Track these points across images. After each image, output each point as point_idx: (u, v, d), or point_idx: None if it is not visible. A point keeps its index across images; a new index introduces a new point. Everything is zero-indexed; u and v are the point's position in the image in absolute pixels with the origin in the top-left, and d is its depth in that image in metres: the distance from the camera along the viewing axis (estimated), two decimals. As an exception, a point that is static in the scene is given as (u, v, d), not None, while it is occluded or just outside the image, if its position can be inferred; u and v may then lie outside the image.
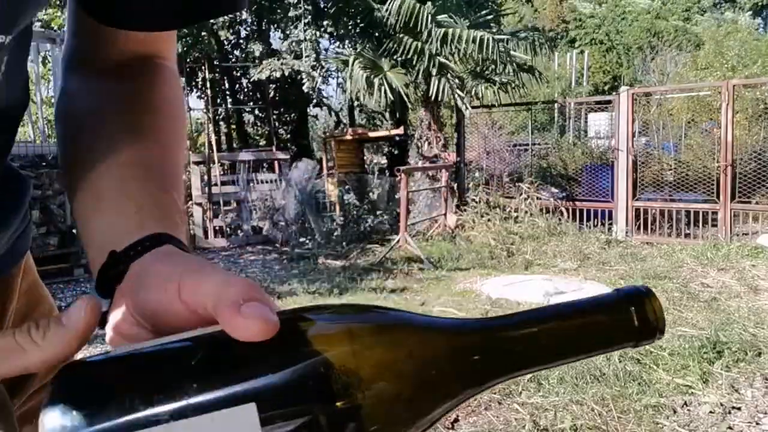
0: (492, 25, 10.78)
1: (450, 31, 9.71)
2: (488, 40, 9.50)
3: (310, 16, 11.89)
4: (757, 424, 3.27)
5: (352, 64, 10.11)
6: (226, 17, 11.48)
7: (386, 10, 9.95)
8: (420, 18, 9.75)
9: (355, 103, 14.53)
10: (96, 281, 0.47)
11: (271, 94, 14.42)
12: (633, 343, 0.38)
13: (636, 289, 0.38)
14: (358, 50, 10.83)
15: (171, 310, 0.40)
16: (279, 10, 12.51)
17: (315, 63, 11.93)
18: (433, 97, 10.21)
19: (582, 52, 23.04)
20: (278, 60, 12.14)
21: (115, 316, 0.44)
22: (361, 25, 11.55)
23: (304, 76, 11.83)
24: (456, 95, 10.09)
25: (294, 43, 12.12)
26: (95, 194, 0.53)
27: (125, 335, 0.43)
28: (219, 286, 0.37)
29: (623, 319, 0.37)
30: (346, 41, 13.08)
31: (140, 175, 0.54)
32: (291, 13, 12.03)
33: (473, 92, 10.74)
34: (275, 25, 13.35)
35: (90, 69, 0.63)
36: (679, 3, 27.03)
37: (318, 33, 12.01)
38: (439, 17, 9.93)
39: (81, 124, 0.59)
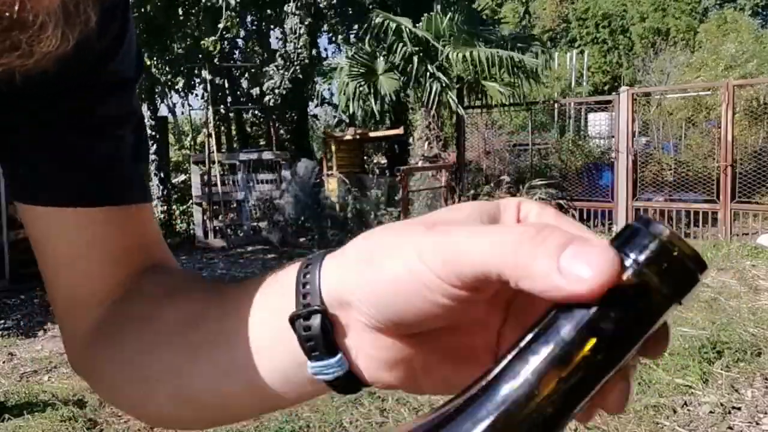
0: (492, 29, 10.77)
1: (459, 50, 9.67)
2: (495, 55, 9.54)
3: (308, 19, 11.88)
4: (757, 424, 3.27)
5: (343, 70, 10.11)
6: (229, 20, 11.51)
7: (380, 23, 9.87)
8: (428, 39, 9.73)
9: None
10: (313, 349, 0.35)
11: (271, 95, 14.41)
12: (677, 303, 0.26)
13: (631, 232, 0.26)
14: (352, 54, 10.77)
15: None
16: (278, 9, 12.50)
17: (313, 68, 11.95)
18: (425, 101, 10.20)
19: (582, 52, 23.04)
20: (279, 70, 12.16)
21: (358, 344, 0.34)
22: (358, 27, 11.55)
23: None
24: (450, 99, 10.06)
25: (293, 46, 12.12)
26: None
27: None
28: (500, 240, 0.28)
29: (639, 283, 0.25)
30: (345, 41, 13.08)
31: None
32: (289, 22, 11.99)
33: (474, 92, 10.72)
34: (274, 26, 13.34)
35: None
36: (684, 1, 26.92)
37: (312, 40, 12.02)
38: (445, 24, 9.94)
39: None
